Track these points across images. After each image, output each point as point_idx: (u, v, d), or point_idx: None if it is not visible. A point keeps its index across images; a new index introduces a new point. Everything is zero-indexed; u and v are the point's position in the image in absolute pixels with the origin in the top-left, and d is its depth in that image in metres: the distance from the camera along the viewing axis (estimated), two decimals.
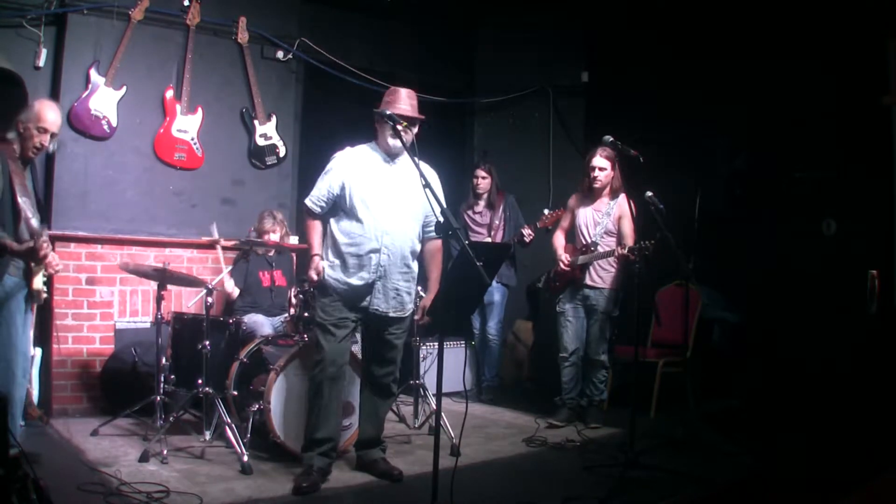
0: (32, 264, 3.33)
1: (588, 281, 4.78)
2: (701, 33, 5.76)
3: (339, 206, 3.60)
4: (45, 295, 3.60)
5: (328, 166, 3.64)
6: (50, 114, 3.39)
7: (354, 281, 3.52)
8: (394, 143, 3.51)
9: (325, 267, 3.57)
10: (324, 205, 3.63)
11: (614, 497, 3.33)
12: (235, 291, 4.82)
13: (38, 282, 3.41)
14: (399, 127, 3.31)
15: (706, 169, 6.01)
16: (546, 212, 5.38)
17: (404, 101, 3.56)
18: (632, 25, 6.07)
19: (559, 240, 5.00)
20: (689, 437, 4.29)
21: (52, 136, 3.42)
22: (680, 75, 5.85)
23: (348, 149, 3.66)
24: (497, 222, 5.72)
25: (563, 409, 4.88)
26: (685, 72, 5.83)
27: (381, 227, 3.51)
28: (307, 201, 3.67)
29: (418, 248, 3.68)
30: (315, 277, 3.57)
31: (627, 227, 4.67)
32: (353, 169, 3.58)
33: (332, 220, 3.64)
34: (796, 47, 5.34)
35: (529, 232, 5.45)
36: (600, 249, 4.72)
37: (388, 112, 3.37)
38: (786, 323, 5.40)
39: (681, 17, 5.81)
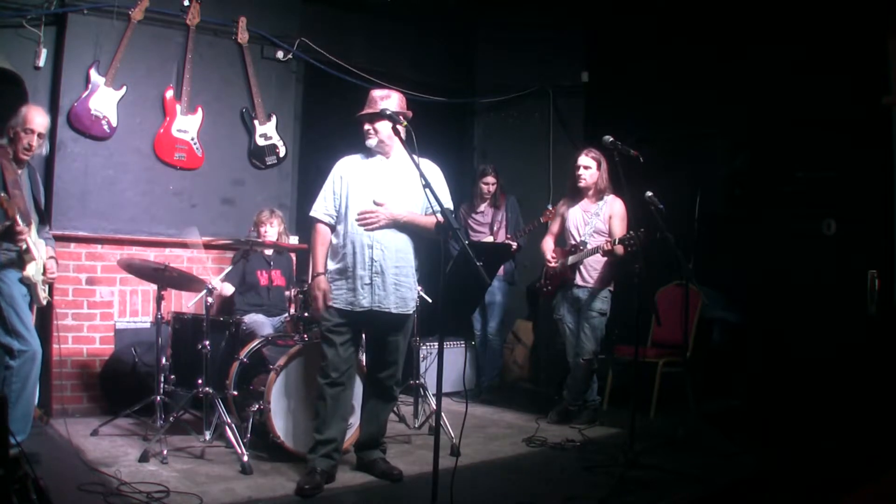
0: (22, 249, 3.39)
1: (578, 281, 4.81)
2: (701, 33, 5.75)
3: (339, 212, 3.63)
4: (45, 294, 3.62)
5: (328, 177, 3.68)
6: (36, 116, 3.54)
7: (353, 280, 3.51)
8: (368, 142, 3.58)
9: (325, 278, 3.55)
10: (332, 212, 3.63)
11: (614, 497, 3.33)
12: (231, 289, 4.81)
13: (31, 269, 3.44)
14: (400, 127, 3.31)
15: (706, 169, 6.00)
16: (550, 207, 5.40)
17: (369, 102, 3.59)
18: (632, 25, 6.07)
19: (548, 244, 5.03)
20: (689, 437, 4.29)
21: (40, 136, 3.55)
22: (680, 75, 5.85)
23: (345, 157, 3.71)
24: (499, 222, 5.73)
25: (560, 404, 4.92)
26: (685, 72, 5.83)
27: None
28: (313, 213, 3.65)
29: (421, 242, 3.66)
30: (320, 301, 3.52)
31: (618, 227, 4.70)
32: (348, 170, 3.64)
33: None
34: (797, 47, 5.34)
35: (514, 244, 5.48)
36: (589, 248, 4.72)
37: (388, 112, 3.40)
38: (786, 323, 5.39)
39: (681, 17, 5.80)
